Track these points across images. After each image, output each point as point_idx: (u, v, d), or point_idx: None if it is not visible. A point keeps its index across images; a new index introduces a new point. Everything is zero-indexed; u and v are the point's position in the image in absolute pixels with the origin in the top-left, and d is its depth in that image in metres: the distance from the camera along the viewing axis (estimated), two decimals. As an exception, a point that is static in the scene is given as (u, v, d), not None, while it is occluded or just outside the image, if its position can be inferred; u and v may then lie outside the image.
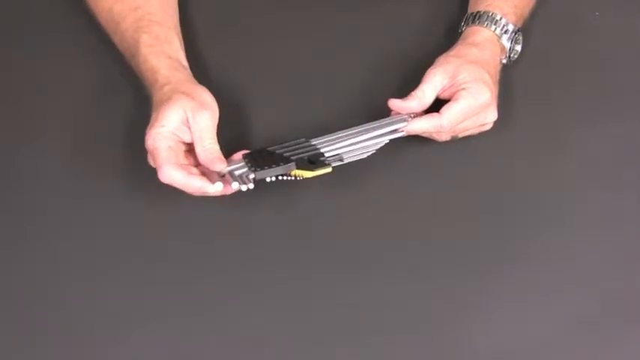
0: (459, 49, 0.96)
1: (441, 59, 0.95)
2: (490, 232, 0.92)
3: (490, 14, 0.97)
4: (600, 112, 1.00)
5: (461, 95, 0.92)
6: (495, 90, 0.94)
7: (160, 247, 0.91)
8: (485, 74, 0.93)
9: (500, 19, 0.97)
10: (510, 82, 1.00)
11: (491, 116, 0.94)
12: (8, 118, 1.00)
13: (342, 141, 0.90)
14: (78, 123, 0.98)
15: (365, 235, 0.92)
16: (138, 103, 0.98)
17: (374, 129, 0.91)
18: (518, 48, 1.00)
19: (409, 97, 0.92)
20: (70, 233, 0.92)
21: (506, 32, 0.97)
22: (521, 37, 1.00)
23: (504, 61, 0.99)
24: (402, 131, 0.92)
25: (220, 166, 0.87)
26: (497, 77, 0.96)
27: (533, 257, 0.91)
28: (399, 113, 0.93)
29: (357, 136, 0.90)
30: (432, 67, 0.94)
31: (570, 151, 0.97)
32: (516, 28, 0.98)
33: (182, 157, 0.89)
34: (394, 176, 0.95)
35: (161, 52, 0.93)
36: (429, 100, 0.93)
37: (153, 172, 0.93)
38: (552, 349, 0.86)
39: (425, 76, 0.93)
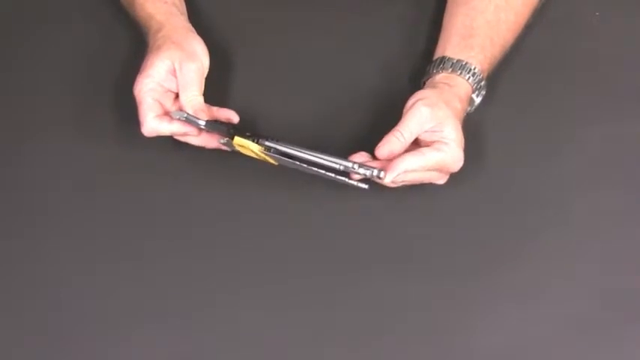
0: (449, 96, 0.90)
1: (432, 97, 0.89)
2: (490, 231, 0.92)
3: (473, 69, 0.92)
4: (600, 112, 1.00)
5: (442, 149, 0.87)
6: None
7: (160, 245, 0.91)
8: (463, 140, 0.88)
9: (480, 74, 0.93)
10: (510, 81, 1.00)
11: (442, 182, 0.91)
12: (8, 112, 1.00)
13: (298, 151, 0.88)
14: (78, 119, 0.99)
15: (365, 235, 0.92)
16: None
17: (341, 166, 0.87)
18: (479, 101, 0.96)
19: (393, 137, 0.87)
20: (69, 232, 0.92)
21: (479, 89, 0.94)
22: (484, 91, 0.95)
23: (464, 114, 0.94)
24: (356, 179, 0.88)
25: (202, 117, 0.90)
26: None
27: (533, 257, 0.91)
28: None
29: (315, 158, 0.88)
30: (421, 101, 0.88)
31: (570, 151, 0.97)
32: (485, 85, 0.95)
33: (170, 105, 0.92)
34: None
35: None
36: (412, 139, 0.88)
37: (153, 169, 0.93)
38: (552, 349, 0.86)
39: (413, 110, 0.87)
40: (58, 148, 0.97)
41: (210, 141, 0.92)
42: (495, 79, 0.99)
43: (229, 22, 1.04)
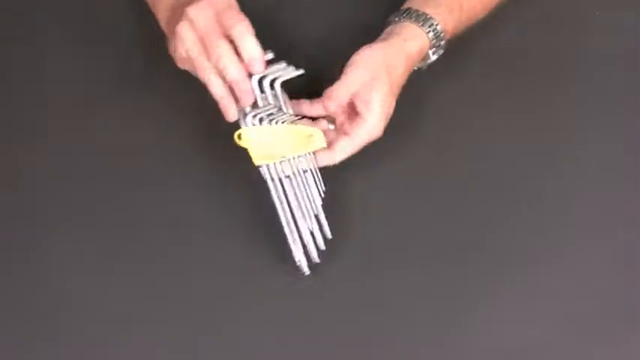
0: (395, 56, 0.90)
1: (379, 65, 0.89)
2: (490, 232, 0.92)
3: (435, 24, 0.92)
4: (600, 112, 1.00)
5: (356, 135, 0.89)
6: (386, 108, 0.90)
7: (160, 245, 0.91)
8: (389, 112, 0.90)
9: (441, 32, 0.93)
10: (510, 81, 1.00)
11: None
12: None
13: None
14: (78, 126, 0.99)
15: (365, 234, 0.92)
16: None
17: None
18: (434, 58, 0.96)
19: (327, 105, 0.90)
20: (69, 232, 0.92)
21: (437, 46, 0.94)
22: (442, 50, 0.95)
23: (415, 68, 0.95)
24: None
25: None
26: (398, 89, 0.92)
27: (533, 257, 0.91)
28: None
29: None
30: (361, 69, 0.89)
31: (570, 151, 0.97)
32: (445, 45, 0.95)
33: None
34: (394, 176, 0.95)
35: None
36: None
37: (153, 168, 0.93)
38: (552, 349, 0.86)
39: (352, 75, 0.89)
40: (58, 148, 0.97)
41: (229, 99, 0.87)
42: (495, 79, 0.99)
43: None
